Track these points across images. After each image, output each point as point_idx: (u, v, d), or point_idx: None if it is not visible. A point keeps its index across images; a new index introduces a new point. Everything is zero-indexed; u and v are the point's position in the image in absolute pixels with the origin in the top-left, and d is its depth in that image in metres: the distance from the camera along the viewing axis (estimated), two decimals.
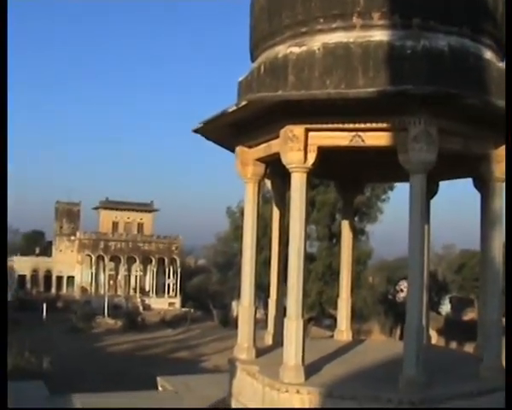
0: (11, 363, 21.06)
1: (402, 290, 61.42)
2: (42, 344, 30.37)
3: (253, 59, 10.44)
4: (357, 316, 13.72)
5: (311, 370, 9.35)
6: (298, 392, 8.86)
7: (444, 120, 8.53)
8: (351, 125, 8.79)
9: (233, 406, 10.47)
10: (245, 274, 10.85)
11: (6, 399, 5.64)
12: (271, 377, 9.32)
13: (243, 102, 8.93)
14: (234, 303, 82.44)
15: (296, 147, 8.95)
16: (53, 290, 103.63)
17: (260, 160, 10.55)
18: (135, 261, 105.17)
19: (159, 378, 13.62)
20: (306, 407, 8.78)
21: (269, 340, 11.84)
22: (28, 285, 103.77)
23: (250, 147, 10.54)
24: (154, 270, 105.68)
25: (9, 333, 32.71)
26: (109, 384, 29.63)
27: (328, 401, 8.72)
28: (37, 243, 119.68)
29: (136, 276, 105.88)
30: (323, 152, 9.16)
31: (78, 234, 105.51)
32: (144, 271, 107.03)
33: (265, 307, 15.97)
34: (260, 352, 10.92)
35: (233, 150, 10.94)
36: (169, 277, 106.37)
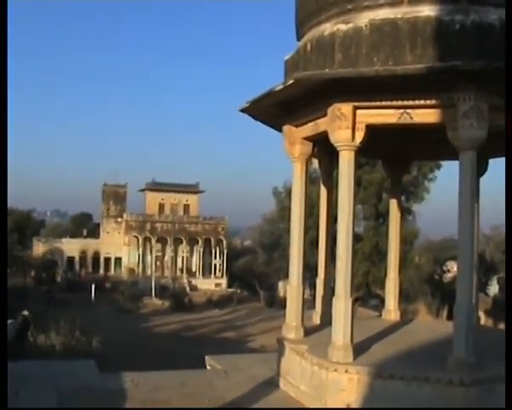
0: (62, 342, 21.42)
1: (449, 271, 60.80)
2: (91, 324, 30.78)
3: (298, 37, 10.38)
4: (403, 296, 13.55)
5: (359, 349, 9.35)
6: (346, 371, 8.88)
7: (494, 95, 8.35)
8: (399, 103, 8.69)
9: (281, 385, 10.56)
10: (293, 254, 10.87)
11: (6, 399, 5.57)
12: (320, 356, 9.36)
13: (290, 81, 8.89)
14: (280, 284, 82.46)
15: (344, 125, 8.90)
16: (101, 271, 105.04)
17: (308, 139, 10.52)
18: (181, 242, 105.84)
19: (207, 357, 13.69)
20: (355, 385, 8.80)
21: (317, 319, 11.84)
22: (77, 267, 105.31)
23: (297, 126, 10.50)
24: (201, 251, 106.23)
25: (60, 313, 33.36)
26: (158, 363, 29.83)
27: (376, 381, 8.73)
28: (85, 225, 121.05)
29: (182, 257, 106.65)
30: (371, 130, 9.10)
31: (124, 216, 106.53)
32: (191, 252, 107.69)
33: (312, 287, 15.95)
34: (308, 331, 10.95)
35: (280, 130, 10.92)
36: (215, 257, 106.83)
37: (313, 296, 12.43)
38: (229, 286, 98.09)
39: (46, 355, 18.24)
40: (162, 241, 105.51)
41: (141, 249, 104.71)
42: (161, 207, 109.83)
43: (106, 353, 23.23)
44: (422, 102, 8.58)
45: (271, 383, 10.83)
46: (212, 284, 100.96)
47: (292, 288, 10.90)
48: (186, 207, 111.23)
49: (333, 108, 8.99)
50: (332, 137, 9.17)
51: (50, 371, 11.87)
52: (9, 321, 23.32)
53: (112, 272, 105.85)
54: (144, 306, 77.58)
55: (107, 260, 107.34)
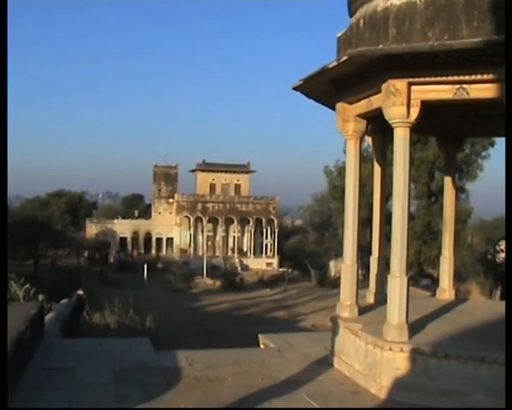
0: (116, 321, 21.67)
1: (502, 251, 59.70)
2: (144, 303, 31.11)
3: (351, 13, 10.28)
4: (455, 276, 13.41)
5: (414, 328, 9.32)
6: (401, 350, 8.86)
7: None
8: (455, 78, 8.57)
9: (335, 364, 10.58)
10: (347, 232, 10.84)
11: (6, 399, 5.62)
12: (374, 335, 9.35)
13: (344, 57, 8.82)
14: (331, 263, 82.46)
15: (399, 101, 8.81)
16: (153, 252, 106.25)
17: (361, 116, 10.45)
18: (232, 222, 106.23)
19: (260, 336, 13.76)
20: (410, 364, 8.78)
21: (371, 298, 11.83)
22: (129, 247, 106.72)
23: (351, 103, 10.44)
24: (252, 230, 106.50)
25: (113, 293, 33.87)
26: (210, 342, 30.12)
27: (432, 361, 8.69)
28: (137, 206, 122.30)
29: (233, 237, 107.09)
30: (426, 106, 8.98)
31: (176, 196, 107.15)
32: (242, 231, 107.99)
33: (364, 266, 15.82)
34: (362, 310, 10.93)
35: (333, 107, 10.87)
36: (266, 237, 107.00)
37: (364, 276, 12.40)
38: (280, 266, 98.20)
39: (101, 334, 18.45)
40: (213, 221, 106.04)
41: (192, 229, 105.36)
42: (212, 187, 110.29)
43: (159, 331, 23.44)
44: (479, 76, 8.43)
45: (325, 362, 10.87)
46: (263, 264, 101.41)
47: (346, 266, 10.88)
48: (237, 187, 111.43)
49: (387, 84, 8.90)
50: (386, 114, 9.09)
51: (106, 348, 12.05)
52: (64, 300, 23.76)
53: (163, 252, 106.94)
54: (196, 285, 78.24)
55: (159, 240, 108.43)
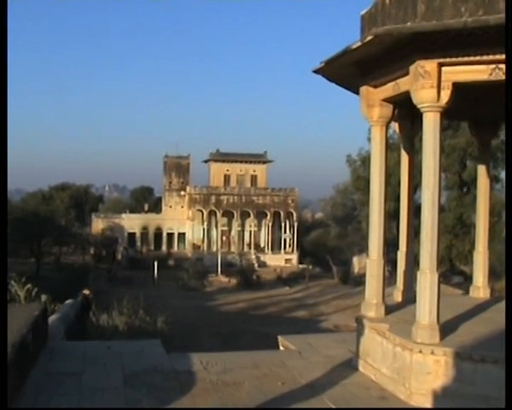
0: (125, 322, 21.76)
1: None
2: (155, 303, 31.23)
3: None
4: (490, 272, 13.36)
5: (446, 329, 9.26)
6: (432, 353, 8.80)
7: None
8: (490, 57, 8.45)
9: (360, 367, 10.55)
10: (373, 224, 10.78)
11: (6, 399, 5.77)
12: (403, 336, 9.30)
13: (369, 37, 8.71)
14: (355, 259, 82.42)
15: (428, 84, 8.73)
16: (163, 248, 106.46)
17: (387, 100, 10.37)
18: (249, 216, 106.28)
19: (280, 337, 13.73)
20: (442, 369, 8.69)
21: (398, 296, 11.77)
22: (138, 243, 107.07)
23: (376, 87, 10.37)
24: (270, 224, 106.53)
25: (122, 292, 33.99)
26: (225, 344, 30.21)
27: (466, 365, 8.59)
28: (146, 200, 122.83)
29: (250, 231, 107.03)
30: (457, 89, 8.89)
31: (188, 189, 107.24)
32: (259, 226, 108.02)
33: (390, 262, 15.86)
34: (390, 309, 10.87)
35: (357, 91, 10.81)
36: (285, 232, 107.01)
37: (391, 273, 12.35)
38: (300, 262, 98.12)
39: (109, 336, 18.55)
40: (228, 215, 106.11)
41: (205, 224, 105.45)
42: (227, 178, 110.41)
43: (172, 333, 23.53)
44: None
45: (349, 365, 10.84)
46: (282, 260, 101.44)
47: (372, 262, 10.82)
48: (253, 179, 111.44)
49: (416, 65, 8.83)
50: (415, 98, 9.02)
51: (115, 351, 12.10)
52: (69, 301, 23.93)
53: (175, 248, 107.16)
54: (210, 283, 78.21)
55: (170, 235, 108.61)
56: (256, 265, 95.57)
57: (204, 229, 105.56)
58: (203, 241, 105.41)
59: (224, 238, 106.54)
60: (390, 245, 12.62)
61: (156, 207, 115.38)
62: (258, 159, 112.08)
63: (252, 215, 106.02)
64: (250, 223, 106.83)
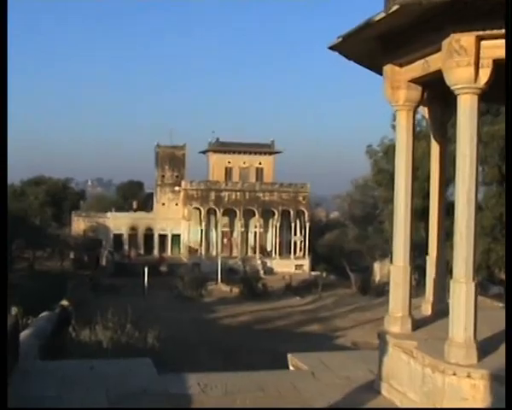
0: (110, 338, 21.71)
1: None
2: (145, 316, 31.23)
3: None
4: None
5: (484, 348, 9.12)
6: (469, 376, 8.68)
7: None
8: None
9: (383, 391, 10.45)
10: (397, 226, 10.71)
11: (6, 399, 6.12)
12: (434, 355, 9.21)
13: (394, 7, 8.58)
14: (376, 265, 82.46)
15: (464, 61, 8.63)
16: (155, 252, 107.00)
17: (415, 81, 10.28)
18: (253, 215, 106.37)
19: (289, 356, 13.68)
20: (479, 394, 8.53)
21: (427, 309, 11.66)
22: (126, 246, 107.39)
23: (402, 65, 10.28)
24: (277, 225, 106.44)
25: (106, 303, 34.08)
26: (227, 362, 30.20)
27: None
28: (135, 196, 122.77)
29: (255, 233, 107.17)
30: (499, 68, 8.72)
31: (183, 183, 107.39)
32: (265, 226, 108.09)
33: (417, 269, 15.85)
34: (418, 324, 10.77)
35: (380, 71, 10.74)
36: (295, 233, 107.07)
37: (418, 281, 12.28)
38: (313, 268, 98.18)
39: (92, 354, 18.49)
40: (230, 213, 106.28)
41: (204, 224, 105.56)
42: (228, 172, 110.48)
43: (164, 350, 23.52)
44: None
45: (370, 389, 10.76)
46: (292, 266, 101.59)
47: (396, 269, 10.74)
48: (259, 172, 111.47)
49: (449, 39, 8.74)
50: (448, 78, 8.93)
51: (99, 372, 12.04)
52: (45, 313, 23.72)
53: (168, 252, 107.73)
54: (209, 293, 78.31)
55: (163, 237, 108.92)
56: (262, 271, 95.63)
57: (202, 230, 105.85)
58: (201, 244, 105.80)
59: (225, 241, 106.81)
60: (417, 249, 12.52)
61: (147, 204, 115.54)
62: (265, 149, 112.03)
63: (257, 214, 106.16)
64: (255, 223, 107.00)
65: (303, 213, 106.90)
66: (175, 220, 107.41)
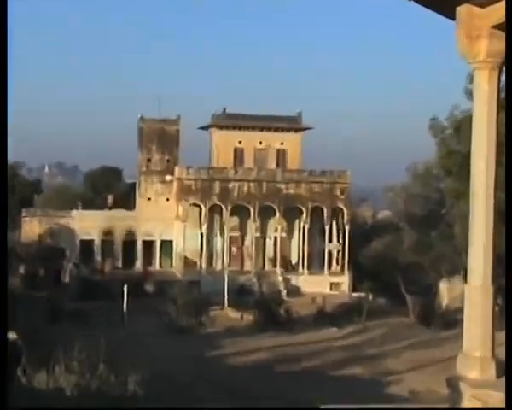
0: (76, 383, 21.74)
1: None
2: (124, 353, 31.26)
3: None
4: None
5: None
6: None
7: None
8: None
9: None
10: (476, 229, 10.56)
11: (6, 399, 7.16)
12: None
13: None
14: (442, 285, 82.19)
15: None
16: (138, 265, 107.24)
17: (502, 27, 10.18)
18: (273, 214, 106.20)
19: (323, 408, 13.66)
20: None
21: None
22: (97, 257, 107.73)
23: (483, 6, 10.22)
24: (306, 228, 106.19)
25: (71, 334, 34.35)
26: None
27: None
28: (110, 189, 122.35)
29: (274, 238, 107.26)
30: None
31: (177, 171, 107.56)
32: (289, 230, 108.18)
33: (501, 291, 15.64)
34: (503, 367, 10.50)
35: (450, 14, 10.65)
36: (330, 240, 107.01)
37: (502, 308, 12.12)
38: (354, 288, 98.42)
39: (49, 405, 18.49)
40: (241, 212, 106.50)
41: (205, 227, 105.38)
42: (238, 155, 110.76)
43: (149, 399, 23.52)
44: None
45: None
46: (326, 285, 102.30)
47: (474, 290, 10.66)
48: (280, 156, 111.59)
49: None
50: None
51: None
52: None
53: (156, 265, 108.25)
54: (211, 321, 78.08)
55: (149, 245, 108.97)
56: (284, 292, 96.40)
57: (202, 234, 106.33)
58: (201, 254, 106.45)
59: (234, 250, 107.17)
60: (503, 263, 12.38)
61: (127, 200, 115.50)
62: (289, 124, 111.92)
63: (278, 213, 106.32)
64: (275, 225, 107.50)
65: (341, 211, 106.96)
66: (165, 221, 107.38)
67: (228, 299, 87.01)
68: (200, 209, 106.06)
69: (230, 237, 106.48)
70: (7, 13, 8.24)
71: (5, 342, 8.14)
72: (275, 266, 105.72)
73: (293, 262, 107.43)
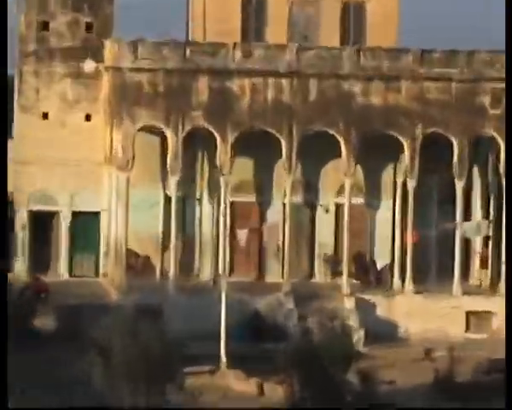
0: None
1: None
2: None
3: None
4: None
5: None
6: None
7: None
8: None
9: None
10: None
11: (6, 399, 31.48)
12: None
13: None
14: None
15: None
16: (17, 267, 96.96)
17: None
18: (334, 154, 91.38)
19: None
20: None
21: None
22: None
23: None
24: (410, 187, 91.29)
25: None
26: None
27: None
28: None
29: (337, 209, 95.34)
30: None
31: (109, 50, 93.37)
32: (370, 191, 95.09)
33: None
34: None
35: None
36: (467, 214, 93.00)
37: None
38: None
39: None
40: (257, 149, 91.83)
41: (174, 182, 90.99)
42: (250, 12, 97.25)
43: None
44: None
45: None
46: (457, 318, 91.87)
47: None
48: (351, 15, 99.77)
49: None
50: None
51: None
52: None
53: (62, 267, 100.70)
54: (192, 398, 64.74)
55: (44, 221, 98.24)
56: (360, 334, 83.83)
57: (169, 199, 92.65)
58: (165, 244, 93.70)
59: (244, 235, 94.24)
60: None
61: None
62: None
63: (344, 151, 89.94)
64: (339, 180, 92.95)
65: (494, 147, 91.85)
66: (82, 169, 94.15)
67: (228, 348, 73.70)
68: (165, 141, 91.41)
69: (234, 206, 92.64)
70: (6, 13, 3.12)
71: (5, 341, 4.52)
72: (336, 272, 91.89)
73: (379, 265, 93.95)
